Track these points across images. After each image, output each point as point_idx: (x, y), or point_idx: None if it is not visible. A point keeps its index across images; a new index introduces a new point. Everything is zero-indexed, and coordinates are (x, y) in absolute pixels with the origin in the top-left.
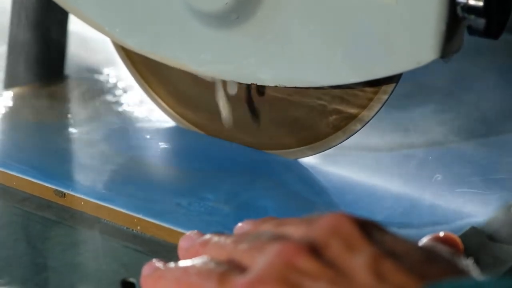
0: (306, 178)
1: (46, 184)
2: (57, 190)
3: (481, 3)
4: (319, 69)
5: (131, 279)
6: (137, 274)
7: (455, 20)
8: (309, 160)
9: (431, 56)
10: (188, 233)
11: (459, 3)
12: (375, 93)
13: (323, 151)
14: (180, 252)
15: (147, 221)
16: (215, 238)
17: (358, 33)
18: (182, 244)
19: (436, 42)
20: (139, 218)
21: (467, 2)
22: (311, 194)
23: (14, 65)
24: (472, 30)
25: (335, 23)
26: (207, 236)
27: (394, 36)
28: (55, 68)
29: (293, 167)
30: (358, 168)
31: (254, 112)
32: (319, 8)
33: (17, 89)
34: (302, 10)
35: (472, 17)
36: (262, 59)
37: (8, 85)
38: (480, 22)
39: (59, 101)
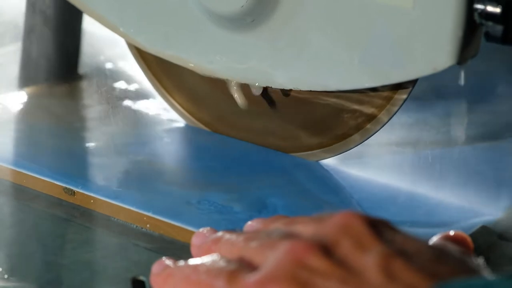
0: (317, 176)
1: (55, 182)
2: (66, 188)
3: (498, 10)
4: (335, 73)
5: (141, 277)
6: (147, 272)
7: (472, 26)
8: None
9: (447, 62)
10: (200, 230)
11: (476, 9)
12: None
13: (341, 153)
14: (193, 249)
15: (157, 219)
16: (227, 236)
17: (374, 38)
18: (195, 241)
19: (453, 48)
20: (148, 216)
21: (485, 9)
22: (322, 193)
23: (28, 64)
24: (489, 37)
25: (351, 27)
26: (219, 233)
27: (411, 41)
28: (69, 67)
29: (304, 165)
30: (368, 166)
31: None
32: (336, 11)
33: (30, 88)
34: (318, 14)
35: (490, 23)
36: (278, 62)
37: (22, 84)
38: (498, 29)
39: (72, 100)
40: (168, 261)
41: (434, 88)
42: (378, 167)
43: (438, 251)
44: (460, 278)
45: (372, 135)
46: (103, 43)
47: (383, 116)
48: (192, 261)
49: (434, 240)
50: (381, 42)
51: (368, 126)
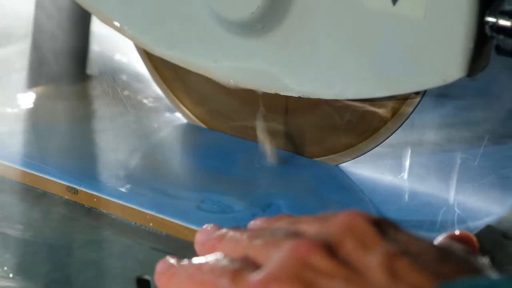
0: (321, 175)
1: (59, 181)
2: (69, 186)
3: (510, 24)
4: (345, 82)
5: (146, 276)
6: (152, 271)
7: (483, 39)
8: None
9: (458, 74)
10: (204, 226)
11: (488, 22)
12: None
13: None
14: (197, 246)
15: (160, 218)
16: (231, 233)
17: (384, 47)
18: (199, 238)
19: (463, 60)
20: (151, 215)
21: (496, 22)
22: (326, 192)
23: (36, 64)
24: (500, 50)
25: (362, 36)
26: (223, 230)
27: (421, 52)
28: (77, 68)
29: (308, 164)
30: (372, 165)
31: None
32: (346, 20)
33: (38, 89)
34: (328, 22)
35: (501, 37)
36: (286, 69)
37: (30, 84)
38: (509, 42)
39: (78, 101)
40: (172, 260)
41: (438, 88)
42: (382, 166)
43: (442, 251)
44: (465, 277)
45: (386, 138)
46: (111, 44)
47: (395, 118)
48: (196, 260)
49: (439, 239)
50: (391, 52)
51: (381, 129)
